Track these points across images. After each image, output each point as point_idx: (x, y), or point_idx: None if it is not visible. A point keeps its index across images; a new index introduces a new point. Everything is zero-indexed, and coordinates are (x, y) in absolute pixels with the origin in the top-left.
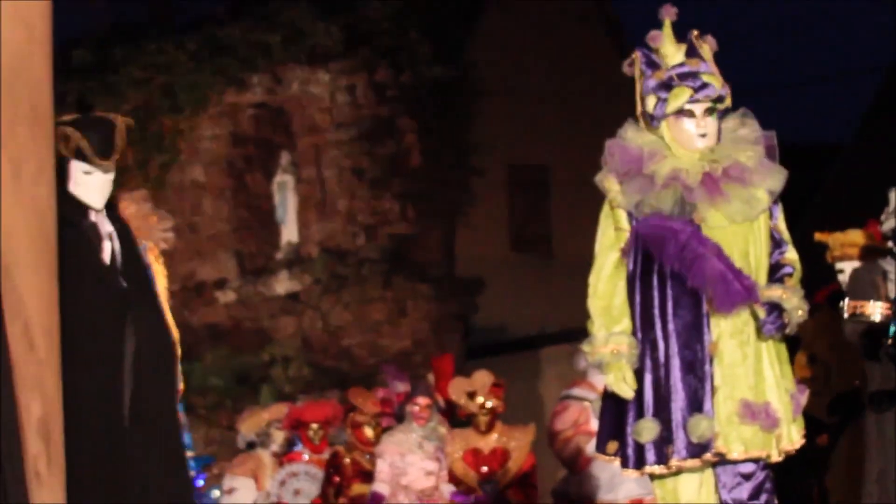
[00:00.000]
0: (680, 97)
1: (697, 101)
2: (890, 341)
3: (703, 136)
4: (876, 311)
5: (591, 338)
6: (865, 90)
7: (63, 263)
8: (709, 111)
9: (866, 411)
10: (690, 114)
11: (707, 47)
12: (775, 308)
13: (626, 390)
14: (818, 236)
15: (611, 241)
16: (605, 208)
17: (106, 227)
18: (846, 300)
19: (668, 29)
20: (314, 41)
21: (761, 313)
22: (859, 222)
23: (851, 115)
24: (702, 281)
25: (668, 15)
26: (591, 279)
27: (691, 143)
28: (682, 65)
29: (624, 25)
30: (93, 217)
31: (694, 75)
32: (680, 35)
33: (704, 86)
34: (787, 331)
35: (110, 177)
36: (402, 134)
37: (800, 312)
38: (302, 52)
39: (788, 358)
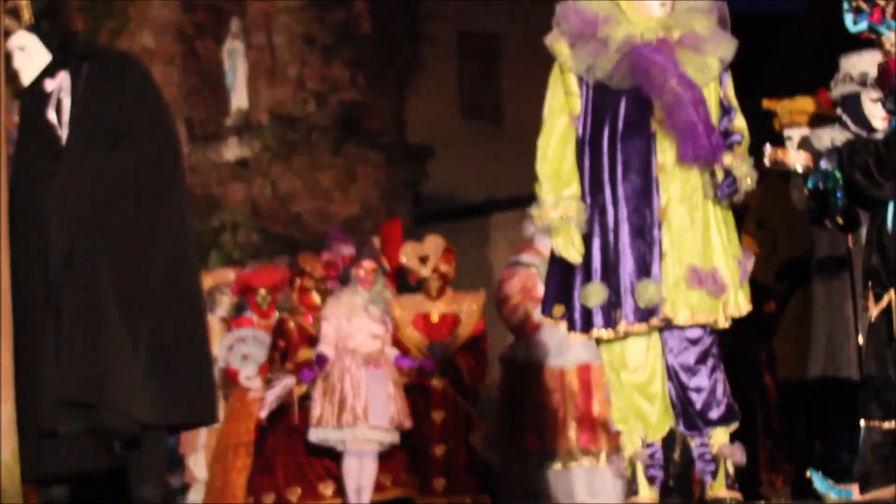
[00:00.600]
0: None
1: None
2: (807, 192)
3: (663, 4)
4: (798, 160)
5: (540, 202)
6: None
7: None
8: None
9: (814, 278)
10: None
11: None
12: (727, 174)
13: (574, 255)
14: (766, 103)
15: (560, 104)
16: (555, 71)
17: (54, 83)
18: (767, 146)
19: None
20: None
21: (720, 175)
22: (811, 91)
23: None
24: (673, 124)
25: None
26: (540, 143)
27: (650, 10)
28: None
29: None
30: (45, 80)
31: None
32: None
33: None
34: (736, 198)
35: (17, 43)
36: (353, 1)
37: (748, 180)
38: None
39: (735, 225)
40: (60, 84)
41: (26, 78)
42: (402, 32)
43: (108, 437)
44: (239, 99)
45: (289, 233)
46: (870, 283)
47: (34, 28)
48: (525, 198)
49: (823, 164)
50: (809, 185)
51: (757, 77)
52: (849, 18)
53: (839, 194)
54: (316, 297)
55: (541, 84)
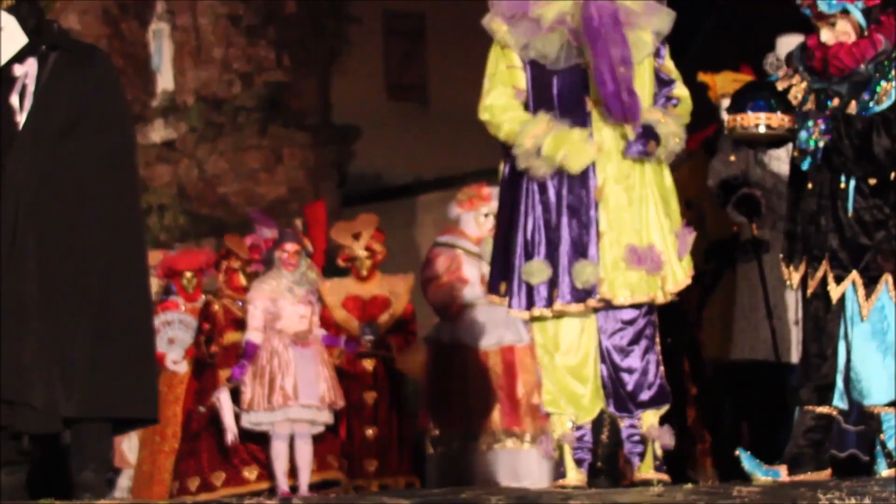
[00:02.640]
0: None
1: None
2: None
3: None
4: (759, 122)
5: (517, 136)
6: None
7: None
8: None
9: (737, 261)
10: None
11: None
12: (649, 131)
13: (587, 158)
14: (701, 76)
15: (502, 77)
16: (495, 49)
17: (23, 68)
18: (725, 115)
19: None
20: None
21: (630, 134)
22: (735, 66)
23: None
24: (595, 78)
25: None
26: (484, 116)
27: None
28: None
29: None
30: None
31: None
32: None
33: None
34: (664, 158)
35: None
36: None
37: (676, 140)
38: None
39: (676, 196)
40: (27, 70)
41: (1, 58)
42: (327, 12)
43: (22, 434)
44: (164, 80)
45: (216, 214)
46: (824, 265)
47: (13, 10)
48: (451, 178)
49: (811, 124)
50: (801, 145)
51: (682, 52)
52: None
53: (809, 159)
54: (242, 279)
55: (466, 64)
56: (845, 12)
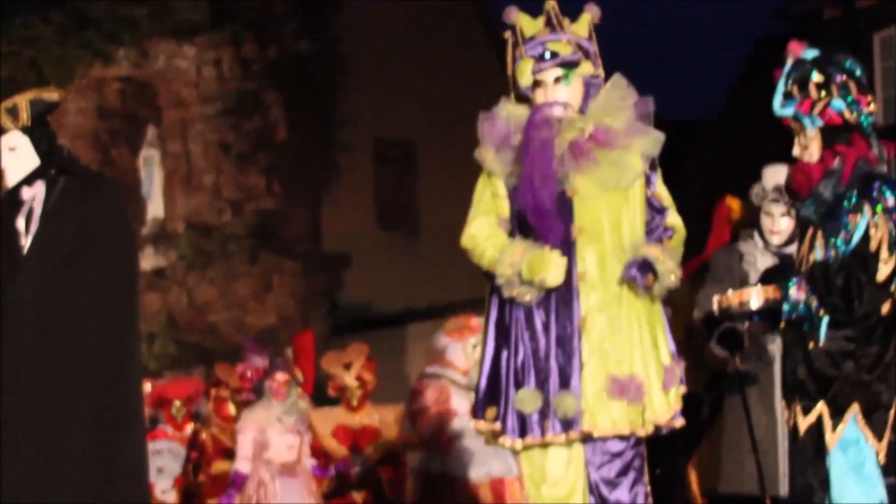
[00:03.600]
0: (524, 69)
1: (542, 70)
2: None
3: (566, 107)
4: (754, 297)
5: (498, 267)
6: (733, 67)
7: None
8: (559, 79)
9: (725, 393)
10: (542, 84)
11: (588, 16)
12: (648, 266)
13: (560, 271)
14: (729, 199)
15: (487, 206)
16: (483, 176)
17: (31, 192)
18: (729, 291)
19: (552, 2)
20: (180, 15)
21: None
22: (719, 195)
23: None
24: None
25: None
26: (466, 243)
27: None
28: (532, 38)
29: (494, 1)
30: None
31: (539, 45)
32: (568, 10)
33: (549, 54)
34: (658, 294)
35: (8, 143)
36: (268, 108)
37: (672, 277)
38: (168, 25)
39: (666, 327)
40: (35, 194)
41: (11, 179)
42: (317, 140)
43: None
44: (155, 208)
45: (205, 343)
46: (796, 397)
47: (28, 131)
48: (441, 307)
49: (795, 294)
50: (784, 318)
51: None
52: (777, 100)
53: (816, 318)
54: (231, 408)
55: (456, 192)
56: (797, 121)
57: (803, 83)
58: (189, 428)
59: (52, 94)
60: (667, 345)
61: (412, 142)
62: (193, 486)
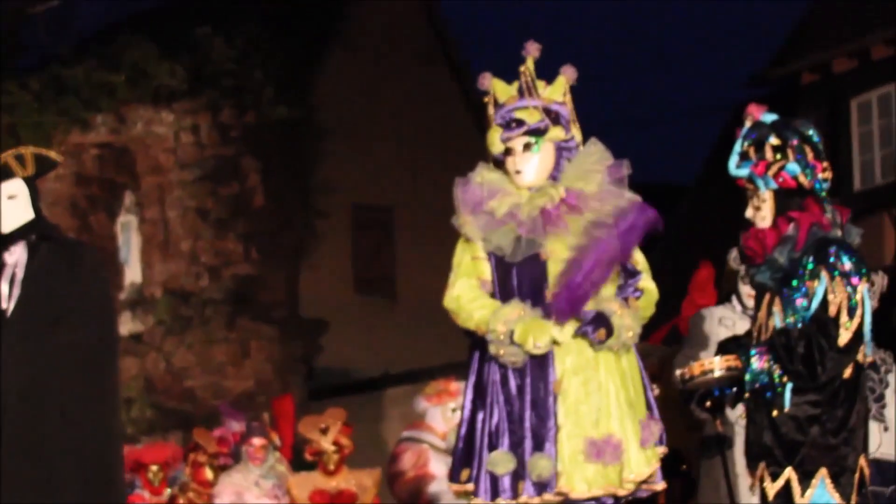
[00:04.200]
0: (493, 137)
1: (510, 138)
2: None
3: (518, 172)
4: (717, 367)
5: (489, 322)
6: (711, 132)
7: None
8: (528, 146)
9: (700, 456)
10: (511, 151)
11: (563, 79)
12: (602, 320)
13: (548, 340)
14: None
15: (468, 268)
16: (461, 242)
17: (13, 257)
18: (690, 363)
19: (530, 64)
20: (158, 81)
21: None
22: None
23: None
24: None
25: (531, 52)
26: (450, 304)
27: (519, 181)
28: (503, 104)
29: (470, 64)
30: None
31: (507, 113)
32: (544, 72)
33: (515, 122)
34: (615, 349)
35: (9, 190)
36: (246, 174)
37: (630, 333)
38: (146, 92)
39: (646, 387)
40: (17, 258)
41: (5, 226)
42: (295, 205)
43: None
44: (132, 273)
45: (182, 408)
46: (763, 463)
47: (30, 182)
48: (418, 372)
49: (757, 363)
50: (747, 388)
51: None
52: (733, 161)
53: (779, 386)
54: (209, 473)
55: (434, 257)
56: (752, 182)
57: (760, 145)
58: (166, 493)
59: (55, 155)
60: (644, 402)
61: (390, 208)
62: None
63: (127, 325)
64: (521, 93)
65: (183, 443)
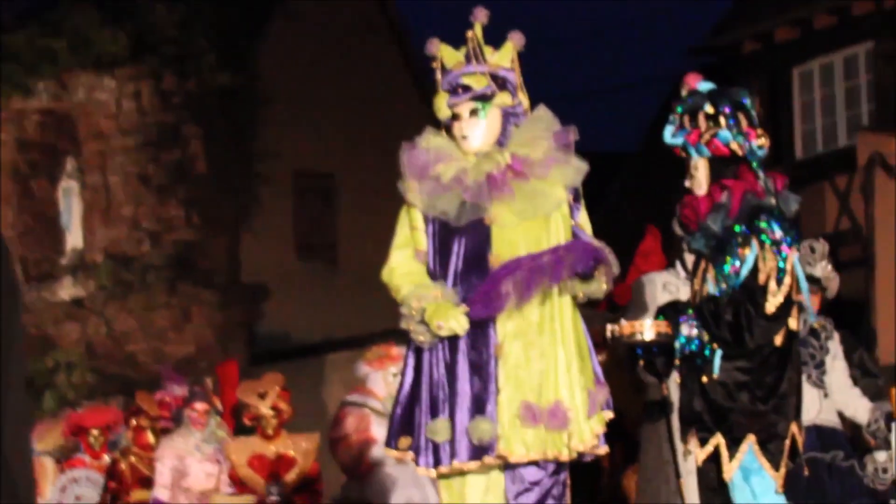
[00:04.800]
0: (440, 103)
1: (456, 104)
2: (677, 361)
3: (465, 137)
4: (647, 329)
5: (408, 298)
6: (653, 100)
7: None
8: (475, 112)
9: (643, 421)
10: (457, 117)
11: (510, 45)
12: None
13: (461, 327)
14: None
15: (405, 239)
16: (403, 209)
17: None
18: (621, 321)
19: (478, 30)
20: (100, 48)
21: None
22: (641, 229)
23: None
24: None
25: (479, 18)
26: (385, 277)
27: (466, 145)
28: (450, 70)
29: (412, 32)
30: None
31: (454, 78)
32: (495, 39)
33: (462, 88)
34: (581, 297)
35: None
36: (188, 141)
37: (604, 287)
38: (88, 58)
39: (591, 354)
40: None
41: None
42: (237, 172)
43: None
44: (74, 238)
45: (124, 373)
46: (693, 429)
47: None
48: (360, 337)
49: (686, 330)
50: (677, 352)
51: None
52: (669, 130)
53: (707, 351)
54: (150, 437)
55: (376, 223)
56: (686, 151)
57: (694, 114)
58: (107, 457)
59: None
60: (591, 370)
61: (331, 174)
62: None
63: (68, 290)
64: (468, 58)
65: (124, 407)
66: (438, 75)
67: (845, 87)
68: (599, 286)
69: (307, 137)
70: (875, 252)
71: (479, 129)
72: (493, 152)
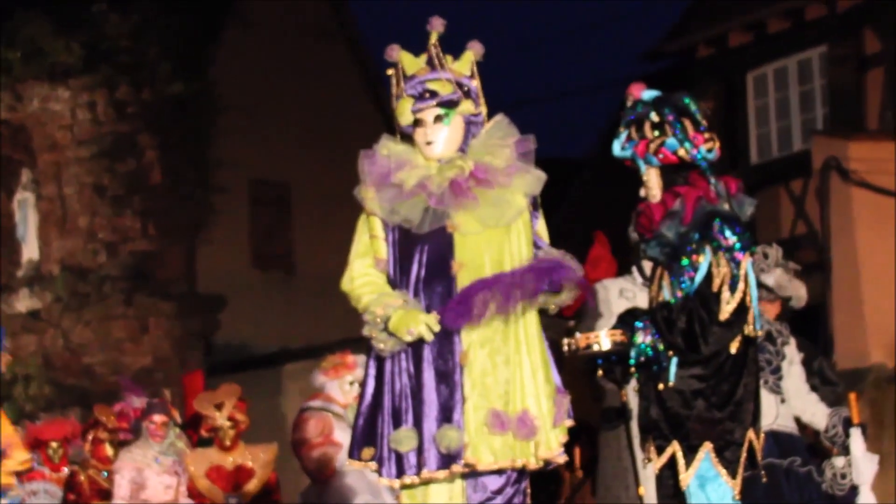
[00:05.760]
0: (404, 108)
1: (422, 109)
2: (633, 369)
3: (429, 143)
4: (602, 339)
5: (370, 305)
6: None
7: None
8: (439, 118)
9: (600, 427)
10: (422, 123)
11: (470, 54)
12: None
13: (430, 333)
14: None
15: (365, 247)
16: (362, 218)
17: None
18: (576, 333)
19: (434, 38)
20: (54, 58)
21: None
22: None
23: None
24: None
25: (436, 27)
26: (345, 287)
27: (424, 152)
28: (413, 76)
29: (367, 39)
30: None
31: (419, 84)
32: (450, 46)
33: (428, 93)
34: (553, 307)
35: None
36: (143, 151)
37: (571, 294)
38: (42, 68)
39: (551, 360)
40: None
41: None
42: (192, 182)
43: None
44: (30, 250)
45: (81, 384)
46: (650, 437)
47: None
48: (317, 347)
49: (641, 337)
50: (632, 361)
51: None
52: (618, 143)
53: (664, 360)
54: (109, 449)
55: (332, 232)
56: (635, 163)
57: (640, 124)
58: (66, 469)
59: None
60: (552, 378)
61: (287, 183)
62: None
63: (25, 301)
64: (431, 65)
65: (82, 419)
66: (398, 81)
67: (800, 91)
68: (569, 296)
69: (263, 146)
70: (831, 256)
71: (443, 135)
72: (457, 159)
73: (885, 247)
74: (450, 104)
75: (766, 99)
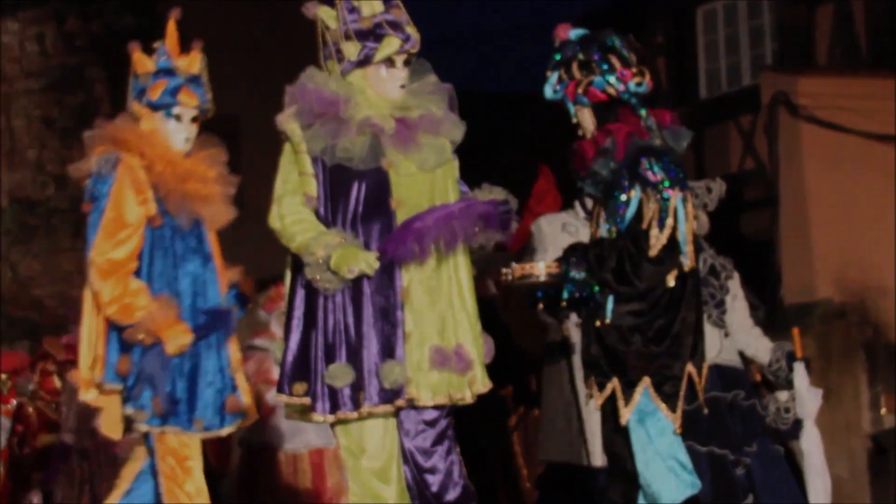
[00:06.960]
0: (390, 46)
1: (408, 50)
2: (564, 303)
3: (403, 86)
4: (539, 270)
5: (309, 245)
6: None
7: None
8: (406, 62)
9: (544, 362)
10: (392, 63)
11: None
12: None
13: (371, 268)
14: None
15: (294, 185)
16: (287, 152)
17: None
18: (512, 263)
19: None
20: None
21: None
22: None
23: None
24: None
25: None
26: (274, 224)
27: (390, 93)
28: (386, 12)
29: None
30: None
31: (400, 25)
32: None
33: (409, 38)
34: (487, 245)
35: None
36: (92, 83)
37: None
38: None
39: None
40: None
41: None
42: None
43: None
44: None
45: (29, 317)
46: (591, 374)
47: None
48: (267, 281)
49: (573, 272)
50: (565, 295)
51: (496, 154)
52: (549, 86)
53: (601, 296)
54: (57, 382)
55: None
56: (566, 104)
57: (568, 66)
58: (14, 401)
59: None
60: (478, 318)
61: (236, 117)
62: (18, 458)
63: None
64: (396, 8)
65: (31, 352)
66: (349, 17)
67: (749, 27)
68: (504, 234)
69: (211, 79)
70: (779, 191)
71: (405, 78)
72: (407, 101)
73: (833, 182)
74: (415, 52)
75: (716, 34)
